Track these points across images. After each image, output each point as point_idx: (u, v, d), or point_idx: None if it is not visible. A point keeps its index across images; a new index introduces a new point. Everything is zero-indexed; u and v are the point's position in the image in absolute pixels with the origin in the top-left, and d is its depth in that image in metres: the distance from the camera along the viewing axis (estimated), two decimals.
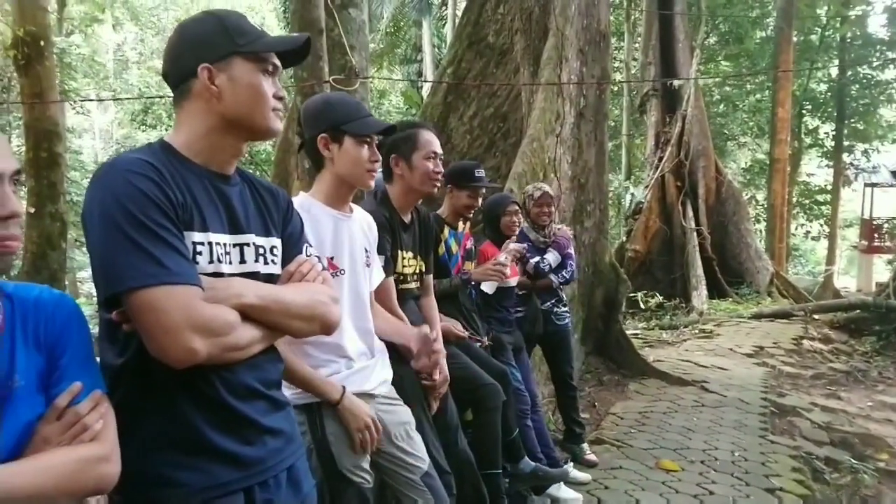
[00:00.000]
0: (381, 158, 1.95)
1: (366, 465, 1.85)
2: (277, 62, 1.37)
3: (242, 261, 1.33)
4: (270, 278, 1.37)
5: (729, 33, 19.27)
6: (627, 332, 7.63)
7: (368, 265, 2.01)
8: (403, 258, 2.40)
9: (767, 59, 19.20)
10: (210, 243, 1.26)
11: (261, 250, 1.37)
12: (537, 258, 3.96)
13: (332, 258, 1.85)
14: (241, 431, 1.29)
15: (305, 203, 1.88)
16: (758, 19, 19.90)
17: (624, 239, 12.80)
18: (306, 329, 1.38)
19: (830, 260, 21.11)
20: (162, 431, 1.23)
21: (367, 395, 1.89)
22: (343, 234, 1.91)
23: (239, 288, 1.26)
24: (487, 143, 6.79)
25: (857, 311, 9.92)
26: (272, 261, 1.39)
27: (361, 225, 2.02)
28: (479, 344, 3.13)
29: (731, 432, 4.77)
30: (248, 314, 1.25)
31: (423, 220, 2.56)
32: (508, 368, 3.30)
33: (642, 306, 10.99)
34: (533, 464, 3.22)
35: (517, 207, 3.74)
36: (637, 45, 15.87)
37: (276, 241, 1.42)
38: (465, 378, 2.64)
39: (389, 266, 2.26)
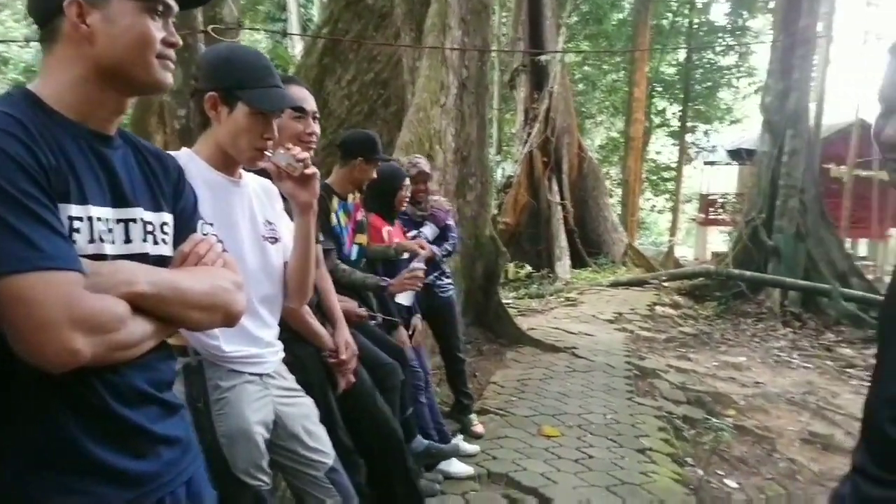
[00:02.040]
0: (276, 137, 1.68)
1: (265, 466, 1.67)
2: (171, 1, 1.13)
3: (128, 240, 1.09)
4: (161, 261, 1.15)
5: (589, 13, 20.16)
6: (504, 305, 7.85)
7: (275, 239, 1.77)
8: None
9: (624, 40, 20.36)
10: (90, 218, 1.02)
11: (149, 227, 1.14)
12: (414, 232, 3.89)
13: (210, 225, 1.61)
14: (131, 443, 1.08)
15: (184, 160, 1.60)
16: (615, 2, 21.00)
17: (496, 212, 13.11)
18: (207, 321, 1.18)
19: (673, 231, 23.06)
20: (34, 448, 0.99)
21: (266, 377, 1.71)
22: (222, 202, 1.65)
23: (128, 274, 1.03)
24: (367, 110, 6.57)
25: (701, 278, 10.91)
26: (163, 240, 1.17)
27: (257, 192, 1.77)
28: (373, 322, 3.01)
29: (602, 395, 5.04)
30: (139, 305, 1.04)
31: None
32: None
33: (512, 277, 11.36)
34: (426, 442, 3.18)
35: (409, 182, 3.64)
36: (505, 20, 16.11)
37: (168, 217, 1.19)
38: (362, 359, 2.51)
39: None
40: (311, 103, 2.10)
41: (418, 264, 3.09)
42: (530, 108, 13.55)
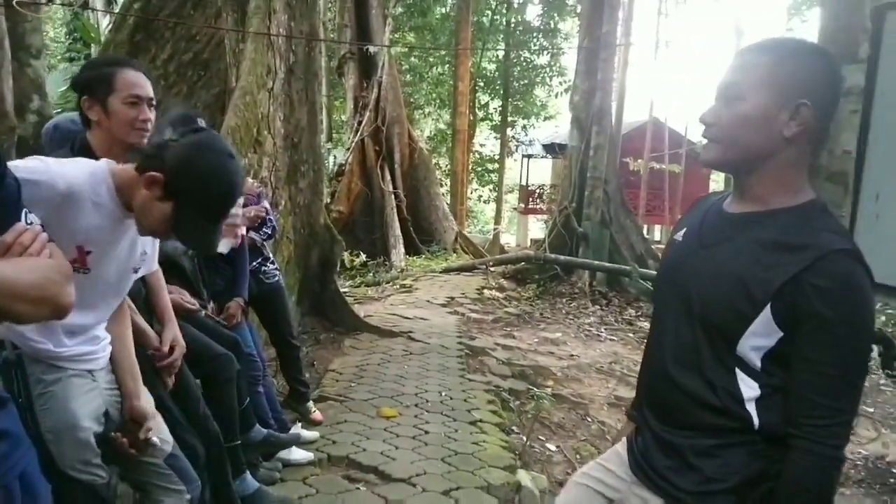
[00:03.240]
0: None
1: (97, 460, 1.59)
2: None
3: None
4: None
5: (414, 6, 20.55)
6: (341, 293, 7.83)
7: (136, 270, 1.73)
8: None
9: (448, 34, 21.05)
10: None
11: None
12: None
13: (88, 252, 1.53)
14: None
15: (100, 174, 1.54)
16: None
17: (328, 200, 12.97)
18: (33, 314, 1.11)
19: (497, 220, 24.39)
20: None
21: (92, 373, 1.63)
22: (116, 233, 1.60)
23: None
24: (187, 91, 6.19)
25: (522, 263, 11.71)
26: None
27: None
28: (204, 312, 2.91)
29: (437, 375, 5.27)
30: None
31: None
32: (240, 333, 3.15)
33: (348, 265, 11.35)
34: (265, 431, 3.14)
35: None
36: (332, 6, 15.93)
37: None
38: (195, 351, 2.43)
39: None
40: (147, 89, 2.01)
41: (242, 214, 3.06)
42: (360, 96, 13.56)
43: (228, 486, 2.41)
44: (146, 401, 1.73)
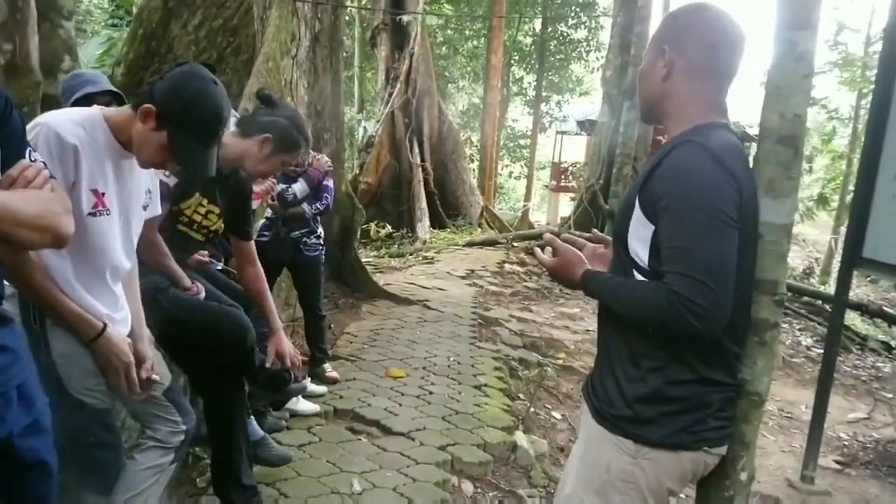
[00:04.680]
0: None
1: (101, 387, 1.75)
2: None
3: None
4: None
5: None
6: (363, 261, 8.00)
7: (146, 207, 1.87)
8: (201, 205, 2.27)
9: (484, 7, 20.82)
10: None
11: None
12: (283, 186, 3.93)
13: (103, 194, 1.65)
14: None
15: (93, 119, 1.65)
16: None
17: (357, 171, 13.13)
18: (36, 240, 1.26)
19: (527, 197, 24.29)
20: None
21: None
22: (121, 171, 1.72)
23: None
24: (216, 57, 6.32)
25: None
26: None
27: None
28: (218, 266, 3.06)
29: (448, 342, 5.41)
30: None
31: (242, 183, 2.43)
32: None
33: (373, 236, 11.53)
34: None
35: None
36: None
37: None
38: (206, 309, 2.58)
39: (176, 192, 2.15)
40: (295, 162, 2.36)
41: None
42: (391, 67, 13.60)
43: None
44: (147, 343, 1.88)
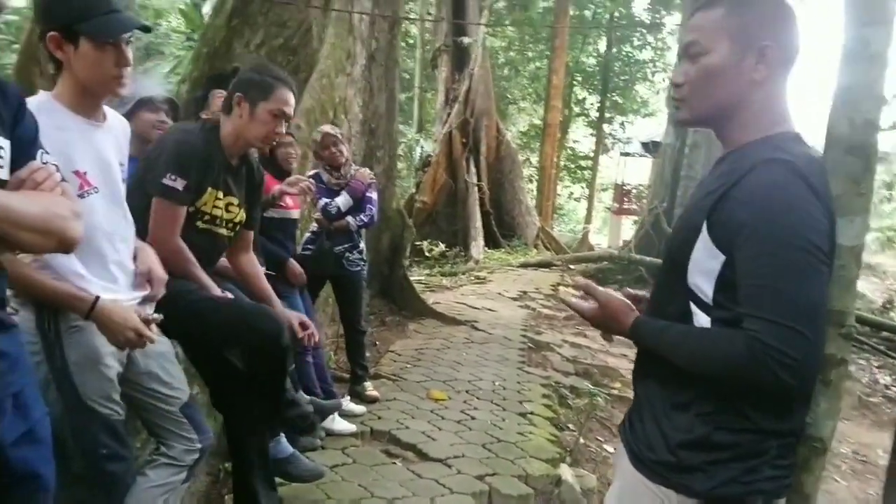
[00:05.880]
0: (131, 63, 1.65)
1: (116, 397, 1.71)
2: None
3: None
4: None
5: (516, 0, 20.45)
6: (413, 279, 7.95)
7: (125, 180, 1.82)
8: (219, 199, 2.20)
9: (548, 29, 20.74)
10: None
11: None
12: (326, 200, 3.92)
13: (84, 173, 1.62)
14: None
15: (46, 105, 1.59)
16: None
17: (414, 190, 13.20)
18: (41, 243, 1.21)
19: (588, 219, 23.87)
20: None
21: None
22: (93, 145, 1.68)
23: None
24: None
25: (605, 262, 11.42)
26: None
27: (116, 134, 1.78)
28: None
29: (494, 365, 5.25)
30: None
31: (253, 171, 2.38)
32: (291, 301, 3.27)
33: (426, 254, 11.51)
34: (308, 397, 3.23)
35: (292, 139, 3.66)
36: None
37: (4, 142, 1.22)
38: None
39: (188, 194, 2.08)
40: (291, 110, 2.21)
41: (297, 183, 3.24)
42: (451, 88, 13.68)
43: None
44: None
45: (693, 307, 1.24)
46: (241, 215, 2.31)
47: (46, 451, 1.32)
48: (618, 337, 1.44)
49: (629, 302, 1.39)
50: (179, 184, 2.04)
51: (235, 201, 2.27)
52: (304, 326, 2.34)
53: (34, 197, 1.21)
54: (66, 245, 1.26)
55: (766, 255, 1.11)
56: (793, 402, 1.20)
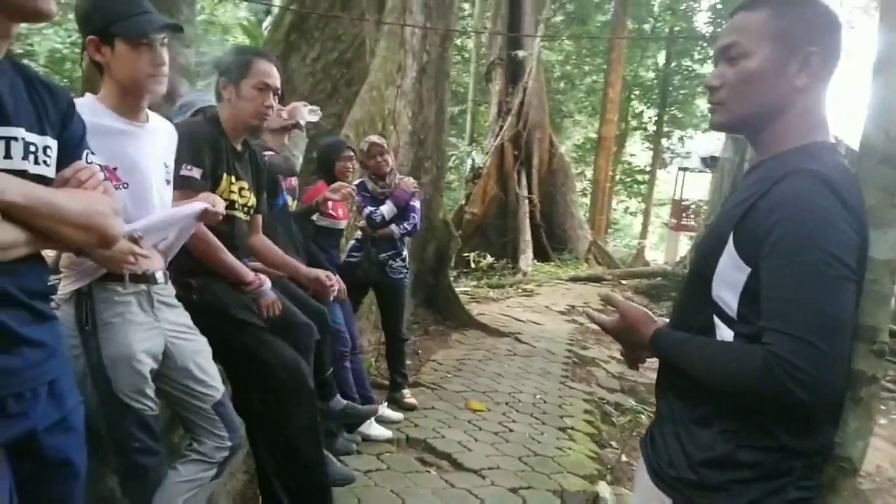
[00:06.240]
0: (165, 62, 1.75)
1: (149, 392, 1.77)
2: None
3: (8, 156, 1.19)
4: (41, 180, 1.25)
5: (574, 14, 20.34)
6: (459, 289, 7.96)
7: (169, 182, 1.89)
8: (233, 184, 2.28)
9: (604, 42, 20.53)
10: None
11: (31, 148, 1.23)
12: (371, 209, 3.99)
13: (115, 169, 1.70)
14: None
15: (90, 106, 1.69)
16: (600, 4, 21.22)
17: (464, 202, 13.24)
18: (82, 239, 1.29)
19: (643, 234, 23.37)
20: None
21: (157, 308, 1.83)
22: (132, 145, 1.76)
23: (1, 184, 1.13)
24: (331, 88, 6.61)
25: (658, 278, 11.15)
26: (44, 161, 1.27)
27: (158, 136, 1.86)
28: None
29: (536, 378, 5.19)
30: (11, 214, 1.14)
31: (256, 155, 2.47)
32: (331, 307, 3.33)
33: (474, 266, 11.50)
34: (344, 402, 3.27)
35: (352, 153, 3.75)
36: (488, 13, 16.21)
37: (51, 142, 1.29)
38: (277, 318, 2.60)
39: (205, 182, 2.15)
40: (275, 80, 2.25)
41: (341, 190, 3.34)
42: (504, 101, 13.69)
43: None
44: None
45: (717, 320, 1.21)
46: (252, 199, 2.39)
47: (79, 440, 1.38)
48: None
49: (650, 313, 1.36)
50: (196, 172, 2.10)
51: (246, 185, 2.34)
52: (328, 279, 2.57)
53: (77, 195, 1.28)
54: (106, 241, 1.33)
55: (787, 267, 1.07)
56: (817, 420, 1.15)
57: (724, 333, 1.20)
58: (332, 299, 3.16)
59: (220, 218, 1.96)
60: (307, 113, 3.09)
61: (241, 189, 2.30)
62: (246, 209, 2.36)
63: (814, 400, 1.04)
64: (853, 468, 1.22)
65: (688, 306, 1.30)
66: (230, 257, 2.22)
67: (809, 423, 1.15)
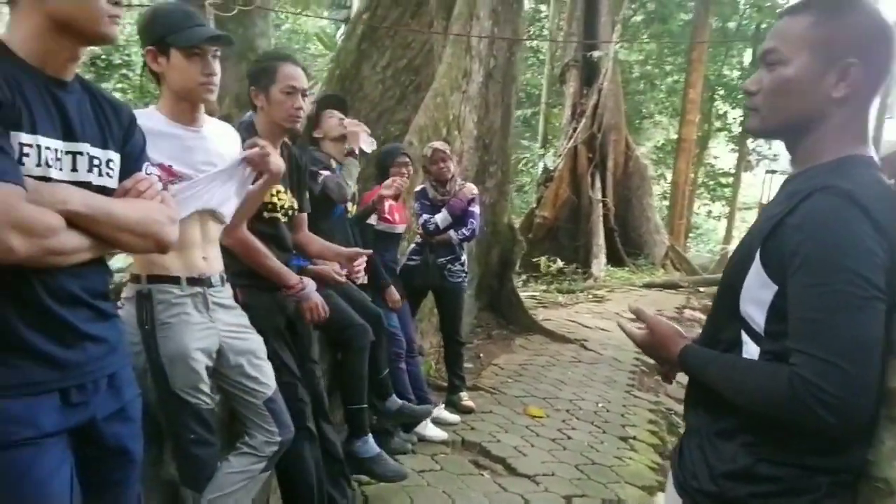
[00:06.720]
0: (217, 72, 1.87)
1: (204, 388, 1.89)
2: None
3: (74, 169, 1.32)
4: (103, 191, 1.38)
5: (654, 13, 19.79)
6: (527, 294, 7.93)
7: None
8: (273, 188, 2.37)
9: (687, 41, 19.85)
10: (38, 146, 1.25)
11: (95, 161, 1.37)
12: (426, 217, 4.08)
13: (169, 166, 1.82)
14: (60, 334, 1.30)
15: (147, 114, 1.83)
16: (682, 2, 20.53)
17: (535, 205, 13.13)
18: (139, 245, 1.41)
19: (727, 240, 22.38)
20: None
21: (213, 309, 1.94)
22: (185, 146, 1.88)
23: (64, 194, 1.26)
24: (399, 95, 6.76)
25: None
26: (107, 174, 1.40)
27: (215, 138, 1.98)
28: (358, 282, 3.21)
29: (600, 386, 5.11)
30: (75, 222, 1.26)
31: (295, 157, 2.57)
32: (384, 312, 3.42)
33: (544, 270, 11.38)
34: (400, 402, 3.36)
35: (407, 159, 3.83)
36: (563, 14, 16.03)
37: (114, 155, 1.42)
38: (335, 319, 2.71)
39: None
40: (302, 81, 2.33)
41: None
42: (578, 103, 13.48)
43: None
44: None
45: (744, 336, 1.19)
46: (290, 200, 2.47)
47: (136, 430, 1.50)
48: None
49: (679, 329, 1.35)
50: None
51: (282, 188, 2.42)
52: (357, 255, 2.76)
53: (135, 204, 1.41)
54: (161, 247, 1.46)
55: (812, 287, 1.05)
56: (845, 440, 1.11)
57: (751, 349, 1.19)
58: (359, 282, 3.25)
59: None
60: (364, 139, 3.17)
61: (277, 192, 2.39)
62: (284, 210, 2.45)
63: (840, 422, 1.02)
64: (889, 490, 1.17)
65: (718, 320, 1.28)
66: (274, 262, 2.33)
67: (835, 442, 1.11)
